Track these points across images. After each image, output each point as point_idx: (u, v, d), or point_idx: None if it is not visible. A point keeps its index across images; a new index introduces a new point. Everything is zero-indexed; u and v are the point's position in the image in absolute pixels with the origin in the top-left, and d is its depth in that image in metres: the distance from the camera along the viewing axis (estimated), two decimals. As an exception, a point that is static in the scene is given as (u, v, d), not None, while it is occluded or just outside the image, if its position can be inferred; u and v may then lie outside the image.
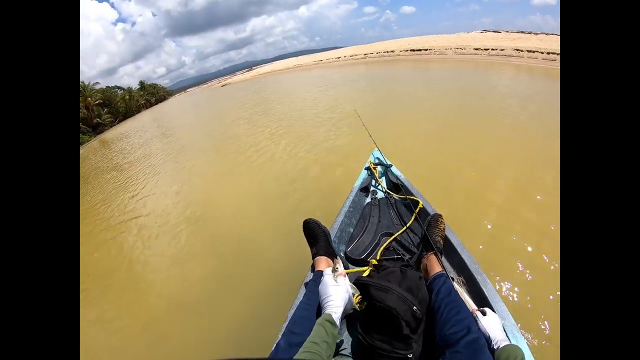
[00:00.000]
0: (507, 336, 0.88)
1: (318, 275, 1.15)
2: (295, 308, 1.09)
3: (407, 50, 23.93)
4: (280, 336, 0.95)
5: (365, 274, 1.19)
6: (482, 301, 1.09)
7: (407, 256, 1.37)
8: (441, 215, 1.40)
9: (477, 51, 17.20)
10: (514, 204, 2.57)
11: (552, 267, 1.93)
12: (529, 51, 14.93)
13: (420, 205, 1.56)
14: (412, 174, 2.05)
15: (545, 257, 1.99)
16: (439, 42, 23.28)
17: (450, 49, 19.37)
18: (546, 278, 1.86)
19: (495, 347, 0.78)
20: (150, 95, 53.74)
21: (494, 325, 0.86)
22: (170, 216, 3.89)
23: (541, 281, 1.84)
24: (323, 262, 1.23)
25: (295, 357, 0.69)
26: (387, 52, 26.63)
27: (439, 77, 11.38)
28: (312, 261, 1.28)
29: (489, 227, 2.35)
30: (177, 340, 2.04)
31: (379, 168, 1.98)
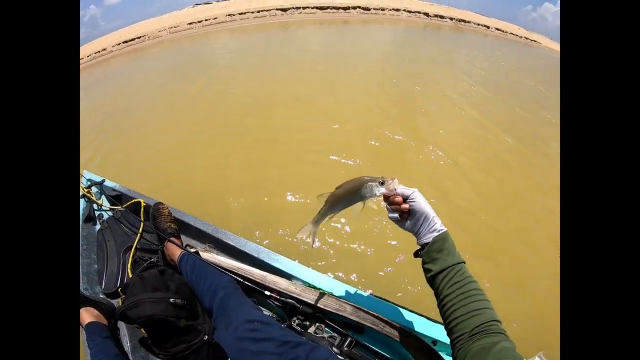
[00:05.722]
0: None
1: (92, 327, 1.04)
2: None
3: (119, 44, 20.03)
4: None
5: (121, 304, 1.24)
6: (232, 250, 1.28)
7: (155, 257, 1.36)
8: (160, 203, 1.43)
9: (191, 25, 16.00)
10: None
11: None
12: (240, 13, 15.38)
13: (143, 204, 1.51)
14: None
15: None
16: (152, 27, 20.86)
17: (164, 29, 17.20)
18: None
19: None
20: None
21: None
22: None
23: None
24: (85, 314, 1.08)
25: None
26: (99, 52, 21.70)
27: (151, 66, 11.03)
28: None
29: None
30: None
31: (93, 189, 1.70)
